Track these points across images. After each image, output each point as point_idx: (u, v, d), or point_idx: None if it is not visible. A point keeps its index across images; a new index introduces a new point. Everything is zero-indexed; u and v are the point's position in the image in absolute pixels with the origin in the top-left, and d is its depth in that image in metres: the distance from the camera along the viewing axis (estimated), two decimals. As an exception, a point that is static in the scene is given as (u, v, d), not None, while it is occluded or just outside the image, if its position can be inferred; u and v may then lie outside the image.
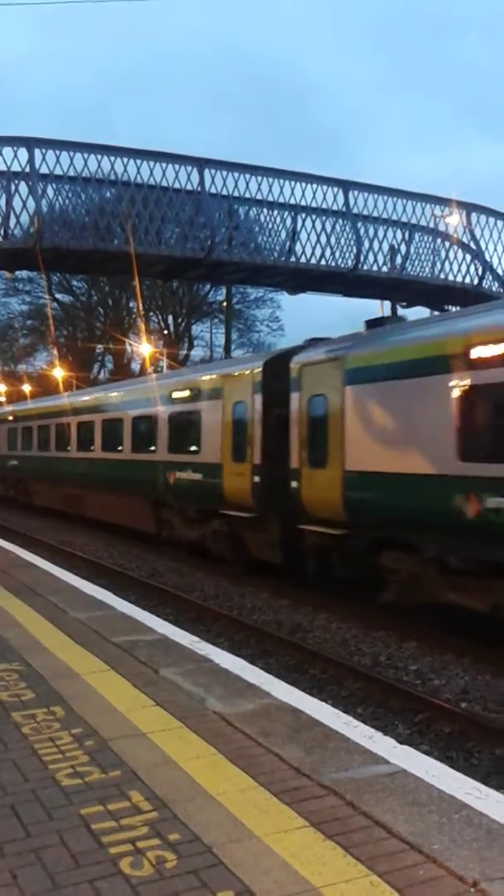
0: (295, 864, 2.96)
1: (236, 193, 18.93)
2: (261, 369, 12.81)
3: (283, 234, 19.77)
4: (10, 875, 2.90)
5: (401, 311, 25.36)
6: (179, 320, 53.78)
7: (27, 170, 17.31)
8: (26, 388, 50.66)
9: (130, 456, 18.00)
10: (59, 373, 45.51)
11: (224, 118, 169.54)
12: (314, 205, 19.79)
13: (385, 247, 20.84)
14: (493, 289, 23.44)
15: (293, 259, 19.87)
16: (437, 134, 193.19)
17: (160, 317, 53.83)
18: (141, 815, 3.37)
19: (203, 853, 3.05)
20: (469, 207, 22.79)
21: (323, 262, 20.07)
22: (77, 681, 5.32)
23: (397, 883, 2.82)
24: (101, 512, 20.57)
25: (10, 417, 30.53)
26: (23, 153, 17.15)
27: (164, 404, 16.25)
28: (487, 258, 23.43)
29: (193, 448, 14.79)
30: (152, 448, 16.65)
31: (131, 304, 51.35)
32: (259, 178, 19.00)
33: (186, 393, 15.33)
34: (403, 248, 21.24)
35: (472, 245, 23.12)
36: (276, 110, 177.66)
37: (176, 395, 15.77)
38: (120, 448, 18.55)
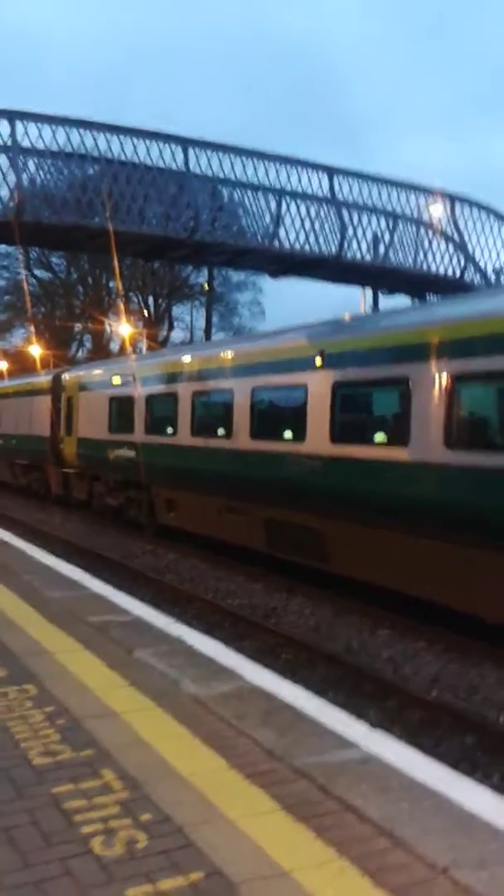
0: (266, 847, 2.96)
1: (221, 175, 18.79)
2: None
3: (268, 218, 19.68)
4: (-21, 853, 2.88)
5: (382, 300, 25.41)
6: (160, 301, 53.51)
7: (9, 143, 17.07)
8: (2, 364, 50.20)
9: None
10: (36, 350, 45.11)
11: (245, 100, 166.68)
12: (300, 190, 19.71)
13: (369, 234, 20.82)
14: (475, 281, 23.53)
15: (277, 243, 19.79)
16: (460, 122, 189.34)
17: (140, 297, 53.54)
18: (113, 795, 3.36)
19: (174, 834, 3.05)
20: (453, 198, 22.83)
21: (307, 248, 20.00)
22: (50, 659, 5.29)
23: (368, 868, 2.83)
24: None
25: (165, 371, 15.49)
26: (4, 126, 16.93)
27: None
28: (470, 250, 23.51)
29: None
30: None
31: (111, 284, 50.97)
32: (244, 159, 18.87)
33: None
34: (387, 237, 21.24)
35: (456, 236, 23.18)
36: (299, 95, 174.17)
37: None
38: None
